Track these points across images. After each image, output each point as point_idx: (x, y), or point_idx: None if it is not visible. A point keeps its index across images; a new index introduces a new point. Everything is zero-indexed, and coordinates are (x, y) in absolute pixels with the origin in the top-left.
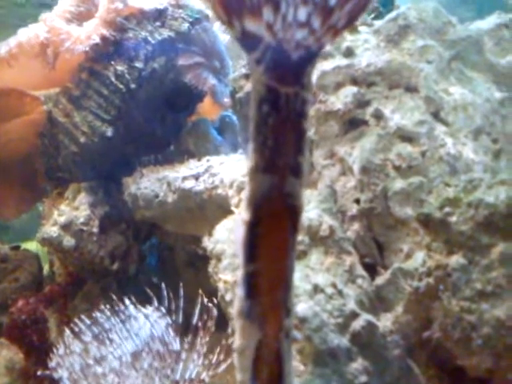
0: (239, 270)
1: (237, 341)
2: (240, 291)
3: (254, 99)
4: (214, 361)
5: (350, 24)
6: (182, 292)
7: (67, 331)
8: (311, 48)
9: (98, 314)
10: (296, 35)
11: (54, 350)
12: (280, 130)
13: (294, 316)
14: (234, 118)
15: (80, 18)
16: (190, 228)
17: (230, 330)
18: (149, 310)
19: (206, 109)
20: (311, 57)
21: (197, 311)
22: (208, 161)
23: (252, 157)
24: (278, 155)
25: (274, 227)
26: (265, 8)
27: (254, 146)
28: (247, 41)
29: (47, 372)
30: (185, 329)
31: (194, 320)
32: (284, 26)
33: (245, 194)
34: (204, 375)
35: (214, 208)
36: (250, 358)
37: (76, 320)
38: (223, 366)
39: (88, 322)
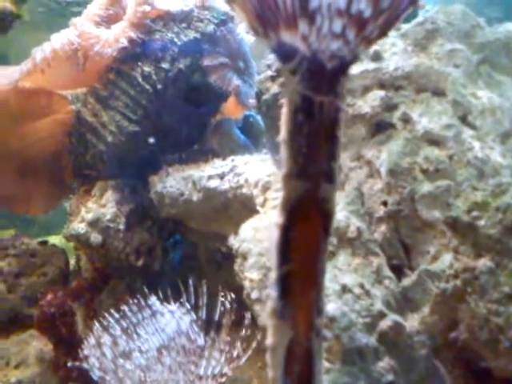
0: (272, 271)
1: (269, 339)
2: (273, 292)
3: (289, 108)
4: (234, 355)
5: (384, 34)
6: (205, 289)
7: (97, 324)
8: (345, 58)
9: (125, 309)
10: (331, 46)
11: (85, 342)
12: (314, 138)
13: (324, 316)
14: (258, 117)
15: (109, 20)
16: (214, 226)
17: (246, 323)
18: (174, 306)
19: (230, 109)
20: (345, 66)
21: (219, 308)
22: (233, 160)
23: (286, 163)
24: (312, 162)
25: (306, 231)
26: (300, 20)
27: (287, 153)
28: (283, 52)
29: (77, 363)
30: (207, 324)
31: (216, 316)
32: (319, 37)
33: (279, 199)
34: (226, 369)
35: (238, 207)
36: (281, 355)
37: (105, 314)
38: (244, 359)
39: (116, 316)
